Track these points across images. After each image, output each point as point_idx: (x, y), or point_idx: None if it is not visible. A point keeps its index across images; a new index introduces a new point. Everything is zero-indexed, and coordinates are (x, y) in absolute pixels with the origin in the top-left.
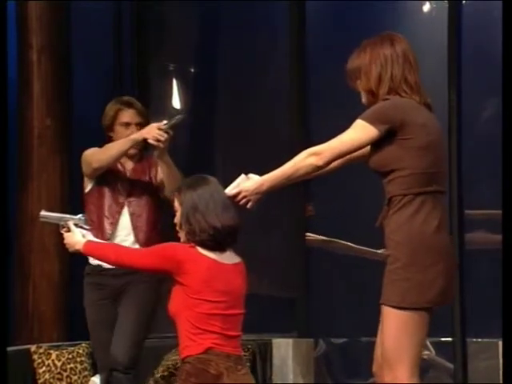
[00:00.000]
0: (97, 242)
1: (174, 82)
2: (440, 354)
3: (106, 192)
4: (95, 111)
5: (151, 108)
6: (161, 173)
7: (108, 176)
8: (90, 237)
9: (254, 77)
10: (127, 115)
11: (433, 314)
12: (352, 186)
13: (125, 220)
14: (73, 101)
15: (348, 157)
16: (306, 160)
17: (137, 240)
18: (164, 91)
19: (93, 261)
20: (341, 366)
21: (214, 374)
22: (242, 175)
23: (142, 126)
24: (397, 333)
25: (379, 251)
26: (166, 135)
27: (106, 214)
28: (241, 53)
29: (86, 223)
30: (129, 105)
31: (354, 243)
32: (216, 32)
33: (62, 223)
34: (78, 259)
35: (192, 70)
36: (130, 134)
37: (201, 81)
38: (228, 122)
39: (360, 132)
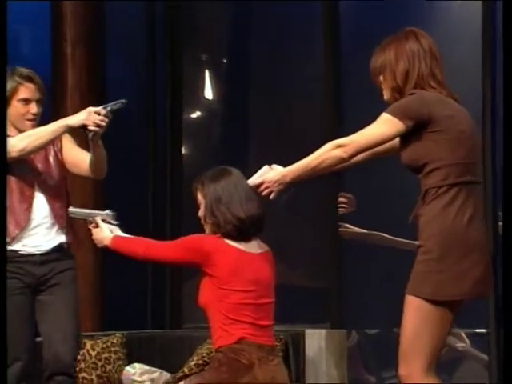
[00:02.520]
0: (124, 237)
1: (207, 72)
2: (474, 346)
3: (14, 175)
4: (129, 103)
5: (184, 98)
6: (68, 150)
7: None
8: (118, 232)
9: (287, 67)
10: (28, 91)
11: (460, 307)
12: (382, 177)
13: (39, 202)
14: (106, 92)
15: (375, 150)
16: (331, 152)
17: (56, 221)
18: (197, 82)
19: (11, 246)
20: (374, 356)
21: (246, 363)
22: (266, 166)
23: (41, 102)
24: (421, 325)
25: (417, 242)
26: (106, 120)
27: (20, 198)
28: (275, 43)
29: (113, 218)
30: (30, 79)
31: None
32: (249, 22)
33: (90, 219)
34: (110, 250)
35: (225, 61)
36: (29, 111)
37: (234, 71)
38: (261, 112)
39: (386, 126)
